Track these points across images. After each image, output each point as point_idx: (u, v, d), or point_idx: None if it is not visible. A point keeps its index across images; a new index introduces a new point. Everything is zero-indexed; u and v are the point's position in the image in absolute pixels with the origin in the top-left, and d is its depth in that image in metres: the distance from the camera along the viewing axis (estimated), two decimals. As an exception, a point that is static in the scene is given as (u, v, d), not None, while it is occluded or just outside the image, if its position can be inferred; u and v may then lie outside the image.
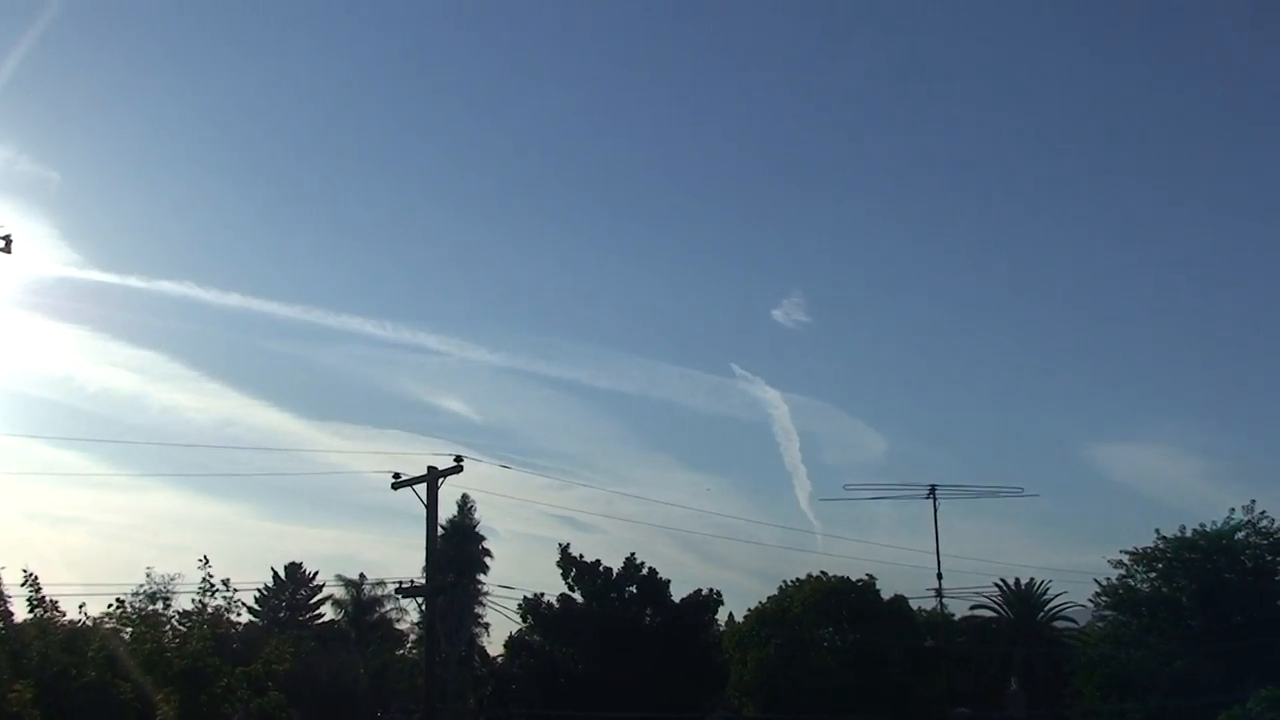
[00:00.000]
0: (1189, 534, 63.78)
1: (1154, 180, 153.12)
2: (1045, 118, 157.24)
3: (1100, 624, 68.09)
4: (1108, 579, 65.90)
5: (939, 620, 67.27)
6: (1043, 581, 78.56)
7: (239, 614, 34.60)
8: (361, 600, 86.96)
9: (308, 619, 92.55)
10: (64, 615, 29.65)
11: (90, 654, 27.09)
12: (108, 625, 29.66)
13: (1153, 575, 64.49)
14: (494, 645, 75.96)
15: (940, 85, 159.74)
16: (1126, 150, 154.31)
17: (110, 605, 30.02)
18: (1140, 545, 65.03)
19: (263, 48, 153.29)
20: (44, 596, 28.93)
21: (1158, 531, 64.60)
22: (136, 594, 32.69)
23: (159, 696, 26.41)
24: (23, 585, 28.89)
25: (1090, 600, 69.39)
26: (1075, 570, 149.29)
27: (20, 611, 29.48)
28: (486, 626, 79.83)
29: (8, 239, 22.52)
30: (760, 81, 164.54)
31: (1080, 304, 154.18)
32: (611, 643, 61.54)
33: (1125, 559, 65.15)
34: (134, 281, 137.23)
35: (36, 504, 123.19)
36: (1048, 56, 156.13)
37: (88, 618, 29.88)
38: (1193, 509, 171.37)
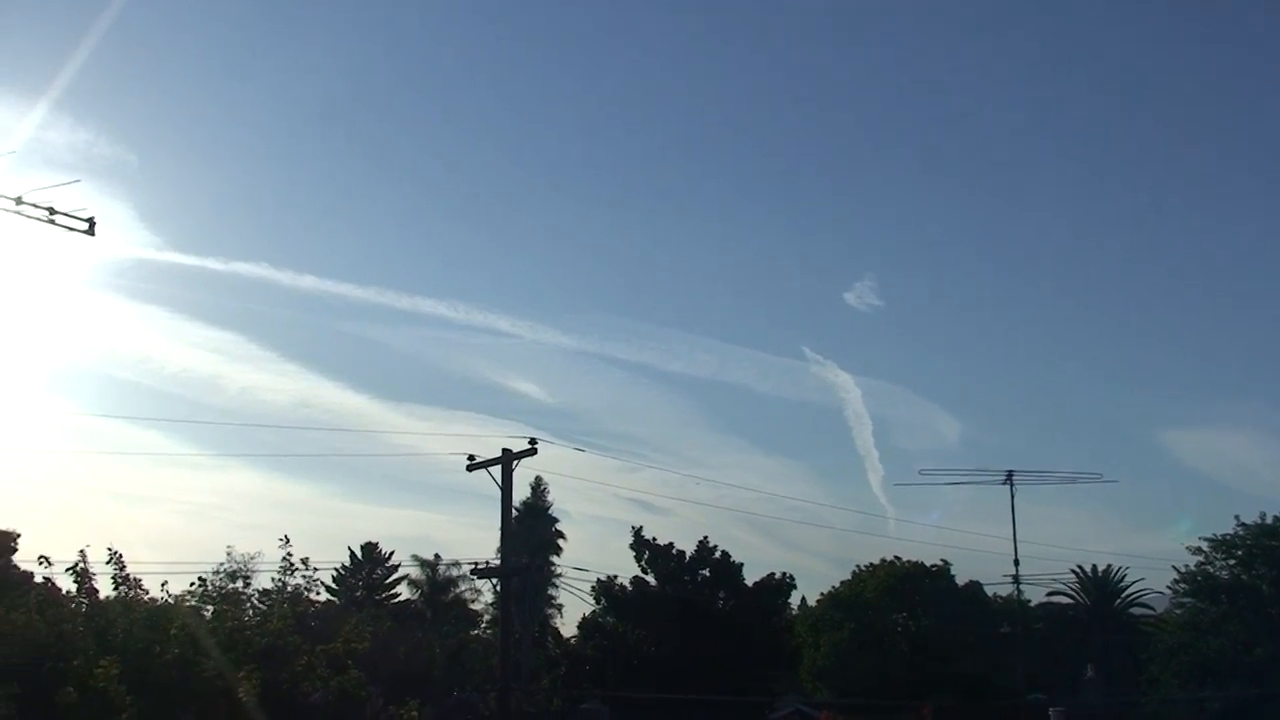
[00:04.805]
0: (1269, 521, 63.05)
1: (1235, 152, 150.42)
2: (1126, 93, 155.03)
3: (1178, 611, 67.47)
4: (1186, 566, 65.30)
5: (1015, 606, 66.80)
6: (1120, 568, 77.97)
7: (318, 593, 34.92)
8: (437, 580, 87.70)
9: (384, 598, 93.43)
10: (147, 593, 30.12)
11: (173, 632, 27.48)
12: (190, 603, 30.08)
13: (1232, 562, 63.81)
14: (567, 627, 76.53)
15: (1012, 60, 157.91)
16: (1207, 124, 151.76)
17: (192, 583, 30.52)
18: (1219, 532, 64.41)
19: (338, 30, 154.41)
20: (128, 574, 29.42)
21: (1237, 518, 63.99)
22: (218, 572, 33.20)
23: (240, 674, 26.77)
24: (107, 563, 29.44)
25: (1168, 587, 68.76)
26: (1153, 557, 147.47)
27: (105, 589, 30.06)
28: (560, 608, 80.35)
29: (91, 221, 22.76)
30: (832, 62, 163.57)
31: (1157, 285, 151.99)
32: (684, 625, 61.78)
33: (1204, 546, 64.50)
34: (211, 263, 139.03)
35: (119, 483, 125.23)
36: (1132, 21, 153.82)
37: (170, 596, 30.33)
38: (1273, 495, 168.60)
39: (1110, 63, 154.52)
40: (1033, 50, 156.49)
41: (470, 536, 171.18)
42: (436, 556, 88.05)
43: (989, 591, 71.80)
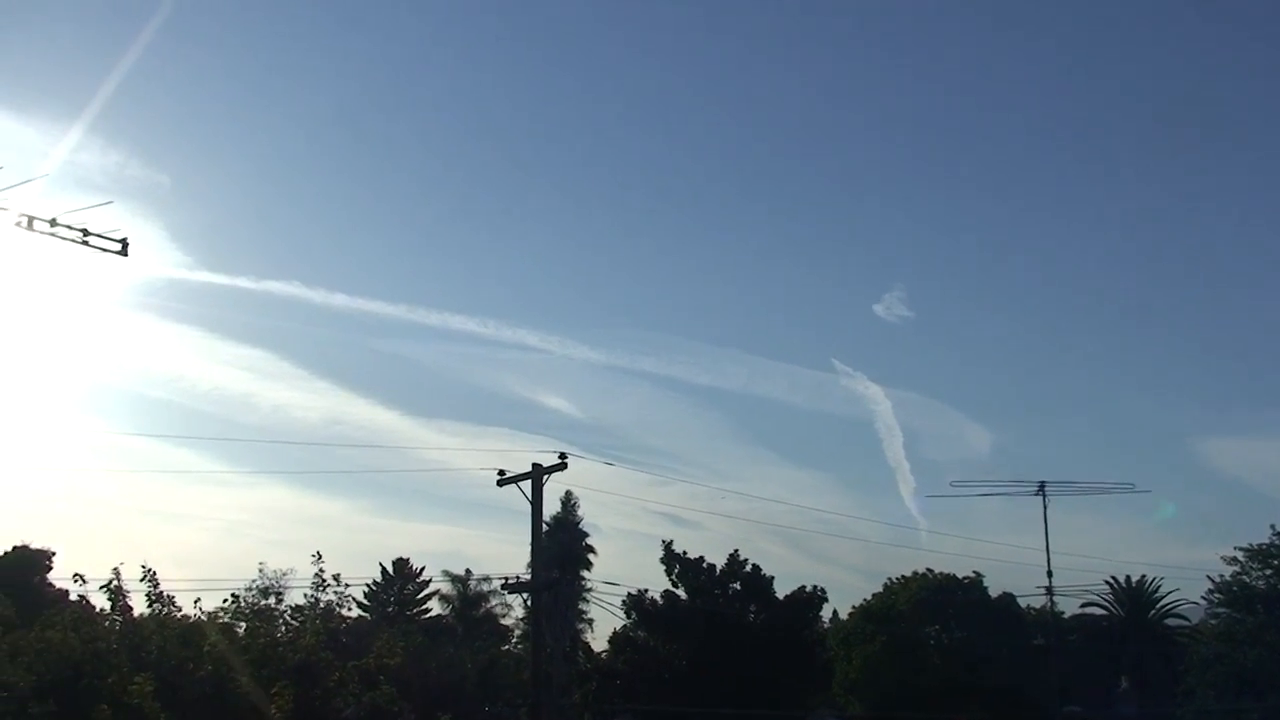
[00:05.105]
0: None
1: (1264, 155, 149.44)
2: (1162, 102, 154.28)
3: (1214, 621, 66.92)
4: (1221, 576, 64.78)
5: (1049, 618, 66.43)
6: (1154, 579, 77.49)
7: (349, 609, 35.06)
8: (468, 595, 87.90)
9: (415, 614, 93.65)
10: (180, 610, 30.32)
11: (207, 648, 27.68)
12: (223, 620, 30.28)
13: (1268, 572, 63.30)
14: (599, 641, 76.45)
15: (1045, 68, 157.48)
16: (1248, 130, 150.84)
17: (225, 600, 30.73)
18: (1255, 541, 63.92)
19: (366, 49, 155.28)
20: (161, 592, 29.64)
21: (1273, 527, 63.43)
22: (250, 589, 33.30)
23: (273, 690, 26.92)
24: (141, 581, 29.68)
25: (1204, 597, 68.24)
26: (1188, 567, 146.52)
27: (139, 606, 30.28)
28: (591, 622, 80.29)
29: (124, 242, 22.94)
30: (860, 72, 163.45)
31: (1191, 293, 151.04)
32: (716, 639, 61.61)
33: (1240, 555, 63.99)
34: (243, 282, 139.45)
35: (151, 501, 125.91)
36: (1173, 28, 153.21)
37: (203, 613, 30.52)
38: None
39: (1148, 70, 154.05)
40: (1066, 58, 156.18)
41: (501, 551, 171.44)
42: (467, 572, 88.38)
43: (1022, 603, 71.46)
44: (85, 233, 22.43)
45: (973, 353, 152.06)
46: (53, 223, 22.21)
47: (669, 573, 65.25)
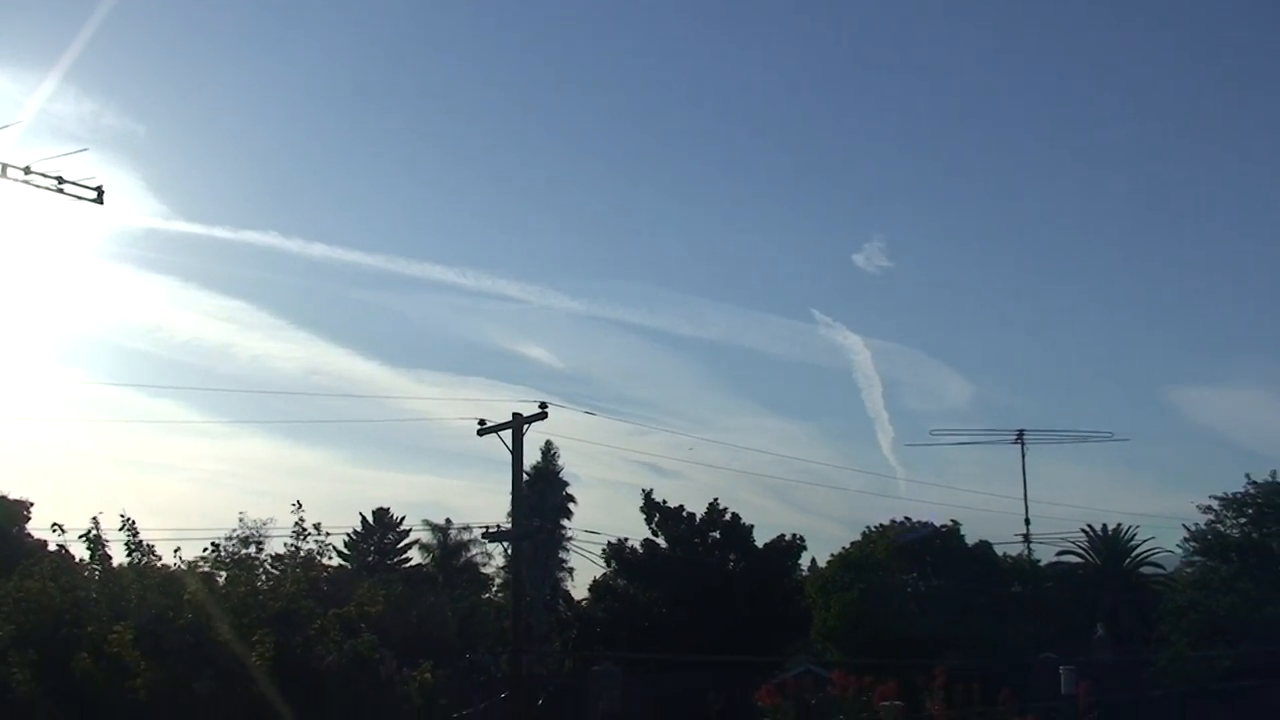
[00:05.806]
0: (1281, 479, 63.06)
1: (1242, 110, 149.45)
2: (1136, 58, 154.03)
3: (1189, 570, 67.58)
4: (1196, 524, 65.38)
5: (1025, 566, 66.84)
6: (1130, 527, 77.92)
7: (330, 558, 35.05)
8: (448, 545, 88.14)
9: (396, 563, 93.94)
10: (160, 560, 30.23)
11: (187, 597, 27.66)
12: (203, 569, 30.21)
13: (1243, 521, 63.88)
14: (578, 589, 76.83)
15: (1020, 16, 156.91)
16: (1224, 71, 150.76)
17: (205, 549, 30.62)
18: (1230, 490, 64.45)
19: (343, 1, 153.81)
20: (141, 541, 29.54)
21: (1248, 476, 63.98)
22: (230, 538, 33.22)
23: (254, 638, 26.92)
24: (120, 530, 29.57)
25: (1179, 546, 68.92)
26: (1164, 516, 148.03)
27: (118, 556, 30.20)
28: (571, 571, 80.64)
29: (100, 190, 22.78)
30: (839, 21, 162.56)
31: (1165, 243, 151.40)
32: (695, 588, 61.97)
33: (1215, 504, 64.56)
34: (220, 232, 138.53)
35: (130, 452, 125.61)
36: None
37: (183, 562, 30.43)
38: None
39: (1125, 14, 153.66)
40: (1044, 5, 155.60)
41: (481, 501, 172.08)
42: (448, 521, 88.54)
43: (999, 551, 71.92)
44: (60, 180, 22.27)
45: (952, 303, 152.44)
46: (27, 170, 22.04)
47: (649, 521, 65.54)
